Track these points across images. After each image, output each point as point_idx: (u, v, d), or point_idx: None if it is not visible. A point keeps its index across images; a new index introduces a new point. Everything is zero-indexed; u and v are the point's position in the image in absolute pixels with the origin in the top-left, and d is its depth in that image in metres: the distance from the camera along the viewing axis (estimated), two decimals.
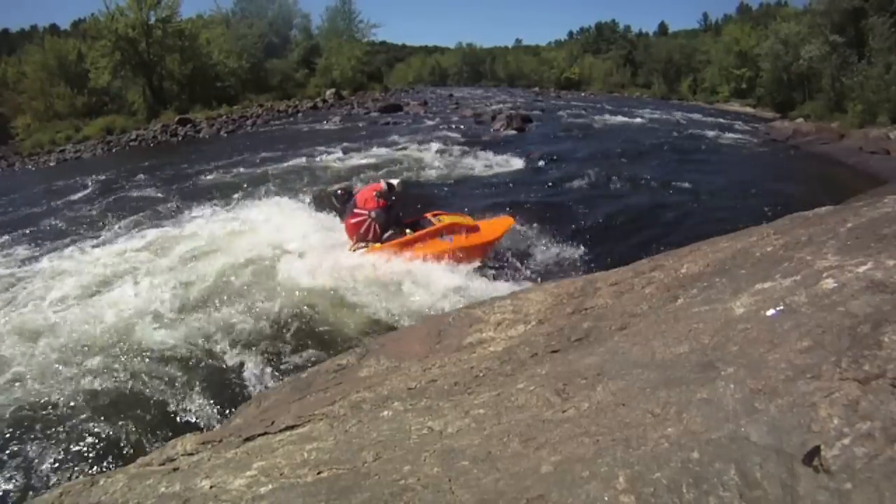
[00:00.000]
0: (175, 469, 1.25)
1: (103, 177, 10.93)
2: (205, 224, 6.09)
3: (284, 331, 3.83)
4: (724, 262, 1.68)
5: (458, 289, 4.26)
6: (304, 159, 10.72)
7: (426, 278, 4.35)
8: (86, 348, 3.60)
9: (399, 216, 5.08)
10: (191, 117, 20.29)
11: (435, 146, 11.63)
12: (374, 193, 4.88)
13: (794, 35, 22.02)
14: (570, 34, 71.94)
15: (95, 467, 2.63)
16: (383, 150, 11.30)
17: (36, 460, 2.71)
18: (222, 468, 1.17)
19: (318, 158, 10.75)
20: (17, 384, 3.26)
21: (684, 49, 45.30)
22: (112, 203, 8.32)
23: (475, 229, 5.12)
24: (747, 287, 1.30)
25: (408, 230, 4.98)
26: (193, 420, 2.98)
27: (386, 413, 1.38)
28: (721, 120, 20.38)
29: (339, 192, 5.14)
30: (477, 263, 4.78)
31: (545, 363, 1.45)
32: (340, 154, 11.05)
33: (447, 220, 5.17)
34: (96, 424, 2.94)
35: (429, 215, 5.31)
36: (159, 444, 2.54)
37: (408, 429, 1.20)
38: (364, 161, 10.31)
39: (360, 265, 4.52)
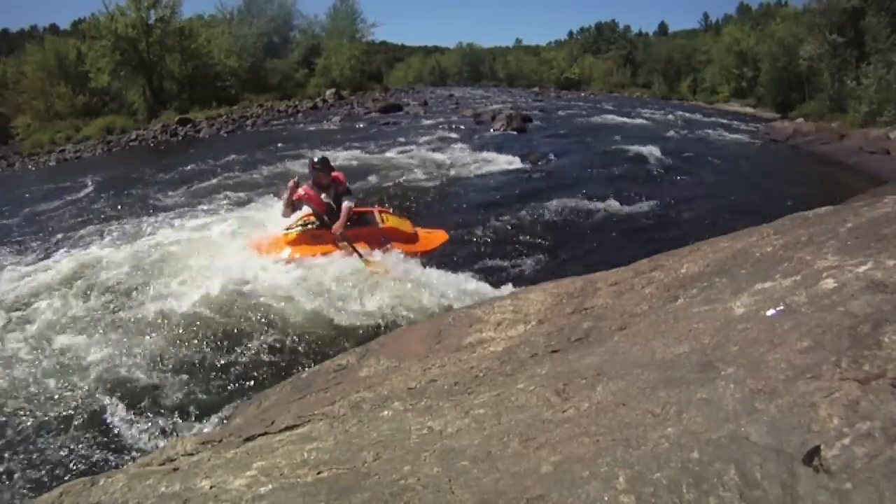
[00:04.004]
0: (175, 469, 1.25)
1: (103, 177, 10.93)
2: (204, 224, 6.09)
3: (284, 330, 3.83)
4: (724, 262, 1.68)
5: (458, 289, 4.26)
6: (304, 160, 10.72)
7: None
8: (85, 349, 3.60)
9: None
10: (191, 117, 20.28)
11: (435, 146, 11.63)
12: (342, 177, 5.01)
13: (790, 36, 22.04)
14: (570, 34, 72.11)
15: (95, 467, 2.63)
16: (383, 151, 11.30)
17: (36, 460, 2.71)
18: (222, 468, 1.17)
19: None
20: (16, 385, 3.26)
21: (684, 49, 45.31)
22: (112, 204, 8.32)
23: (413, 238, 5.06)
24: (747, 287, 1.30)
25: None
26: (193, 420, 2.98)
27: (386, 413, 1.38)
28: (721, 120, 20.37)
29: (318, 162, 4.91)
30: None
31: (545, 363, 1.45)
32: (341, 154, 11.05)
33: (391, 221, 5.12)
34: (96, 424, 2.94)
35: (375, 210, 5.30)
36: (159, 444, 2.54)
37: (408, 429, 1.20)
38: (365, 161, 10.31)
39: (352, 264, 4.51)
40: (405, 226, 5.24)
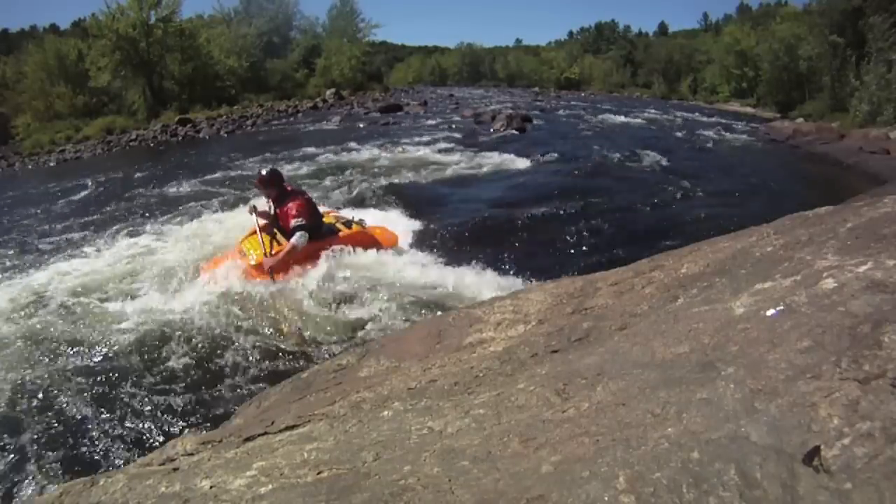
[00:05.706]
0: (175, 469, 1.25)
1: (103, 177, 10.92)
2: (205, 224, 6.09)
3: (284, 331, 3.83)
4: (724, 262, 1.68)
5: (458, 289, 4.26)
6: (303, 160, 10.73)
7: None
8: (85, 350, 3.60)
9: None
10: (191, 117, 20.30)
11: (434, 146, 11.63)
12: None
13: (791, 36, 22.09)
14: (570, 34, 72.20)
15: (95, 467, 2.62)
16: (383, 151, 11.30)
17: (36, 460, 2.71)
18: (222, 468, 1.17)
19: (317, 159, 10.75)
20: (15, 386, 3.26)
21: (684, 49, 45.33)
22: (112, 204, 8.32)
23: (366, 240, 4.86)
24: (747, 287, 1.30)
25: None
26: (193, 420, 2.98)
27: (386, 413, 1.37)
28: (721, 120, 20.38)
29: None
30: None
31: (545, 363, 1.45)
32: (340, 154, 11.06)
33: (354, 228, 4.95)
34: (96, 424, 2.94)
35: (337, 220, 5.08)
36: (159, 444, 2.54)
37: (408, 429, 1.20)
38: (364, 161, 10.31)
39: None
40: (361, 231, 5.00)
